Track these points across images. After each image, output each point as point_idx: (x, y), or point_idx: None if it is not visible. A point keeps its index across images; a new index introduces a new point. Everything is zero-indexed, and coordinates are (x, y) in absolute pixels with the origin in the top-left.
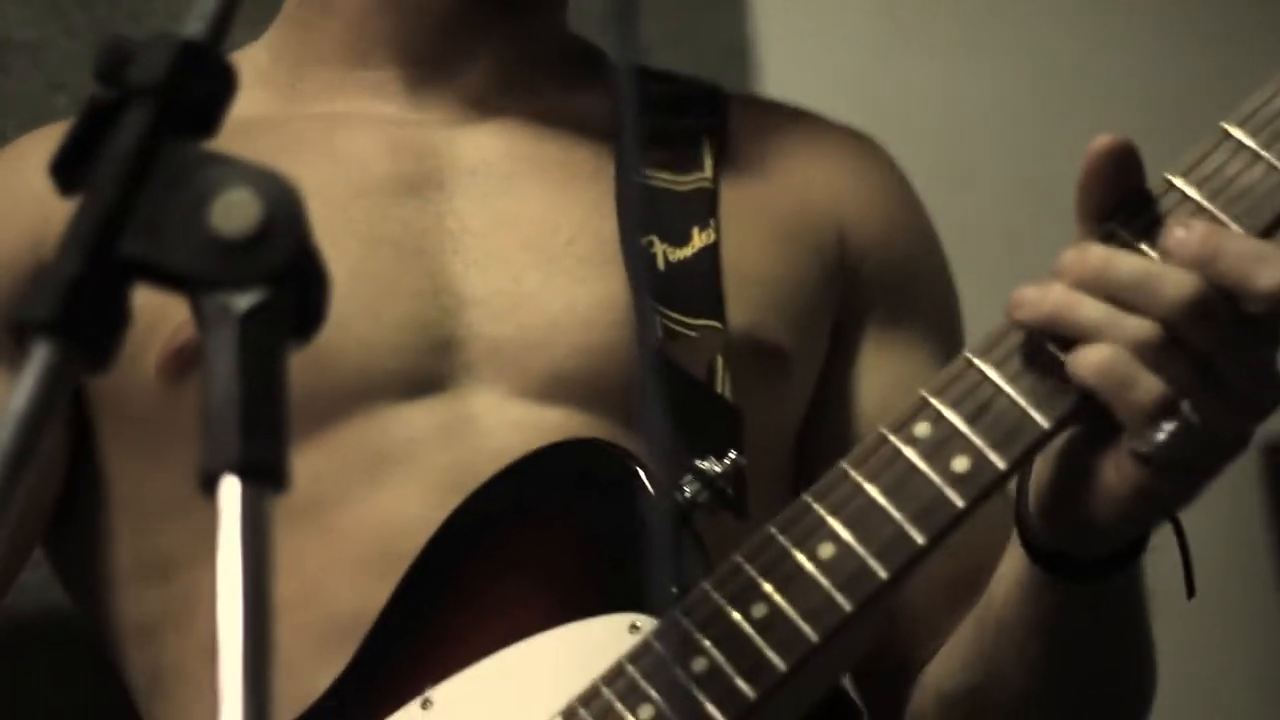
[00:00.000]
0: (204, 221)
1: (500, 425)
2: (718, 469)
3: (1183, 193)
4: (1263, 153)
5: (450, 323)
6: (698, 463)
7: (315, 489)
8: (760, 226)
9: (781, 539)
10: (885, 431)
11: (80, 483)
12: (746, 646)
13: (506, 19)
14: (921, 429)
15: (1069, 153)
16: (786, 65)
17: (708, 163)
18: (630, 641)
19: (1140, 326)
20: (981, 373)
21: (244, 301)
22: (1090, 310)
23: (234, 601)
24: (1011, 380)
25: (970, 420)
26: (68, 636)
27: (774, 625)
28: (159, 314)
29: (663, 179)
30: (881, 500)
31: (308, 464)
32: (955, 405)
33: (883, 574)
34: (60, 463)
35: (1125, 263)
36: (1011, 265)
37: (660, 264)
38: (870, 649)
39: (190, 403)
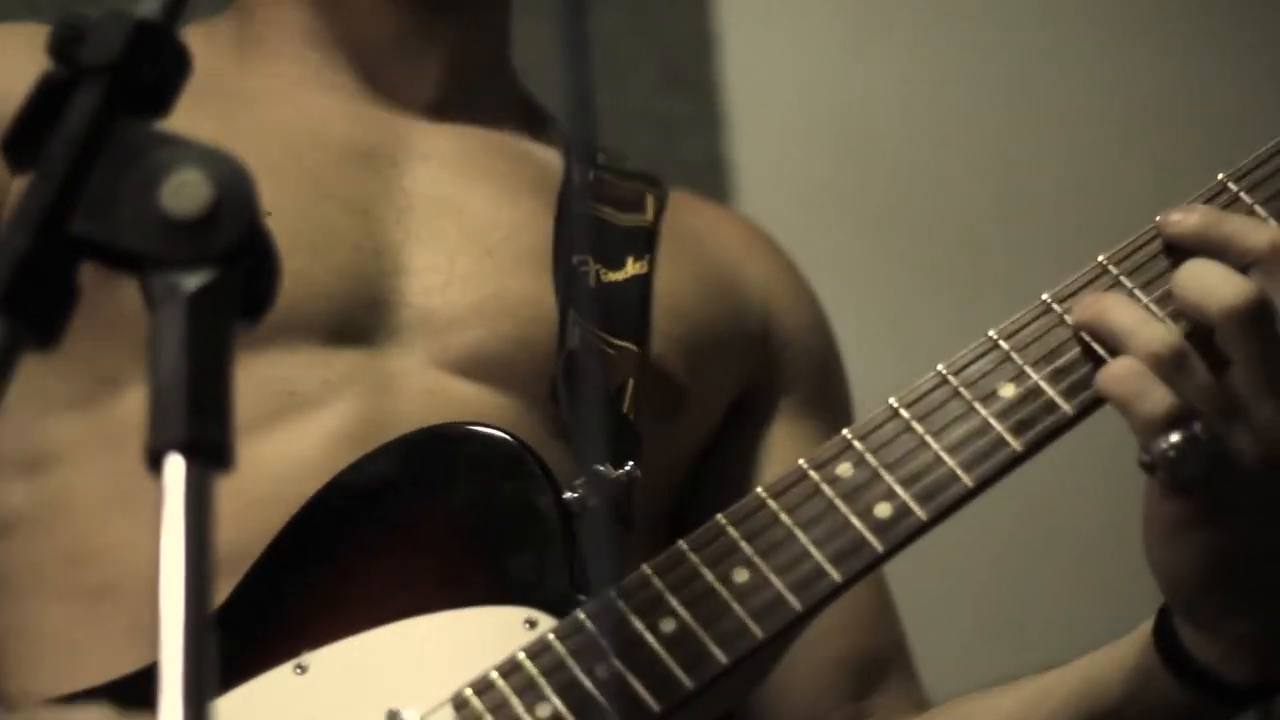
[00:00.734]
0: (154, 201)
1: (414, 390)
2: (613, 475)
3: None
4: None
5: (384, 283)
6: (595, 467)
7: None
8: (692, 274)
9: (693, 557)
10: (806, 467)
11: None
12: (653, 660)
13: (452, 30)
14: (843, 469)
15: (1034, 151)
16: (750, 58)
17: (650, 211)
18: (525, 636)
19: (1159, 339)
20: (906, 423)
21: (193, 281)
22: (1123, 315)
23: (176, 579)
24: (935, 435)
25: (892, 468)
26: None
27: (682, 643)
28: None
29: (606, 212)
30: (799, 534)
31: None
32: (877, 451)
33: (798, 607)
34: None
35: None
36: (974, 263)
37: (592, 280)
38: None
39: (88, 299)
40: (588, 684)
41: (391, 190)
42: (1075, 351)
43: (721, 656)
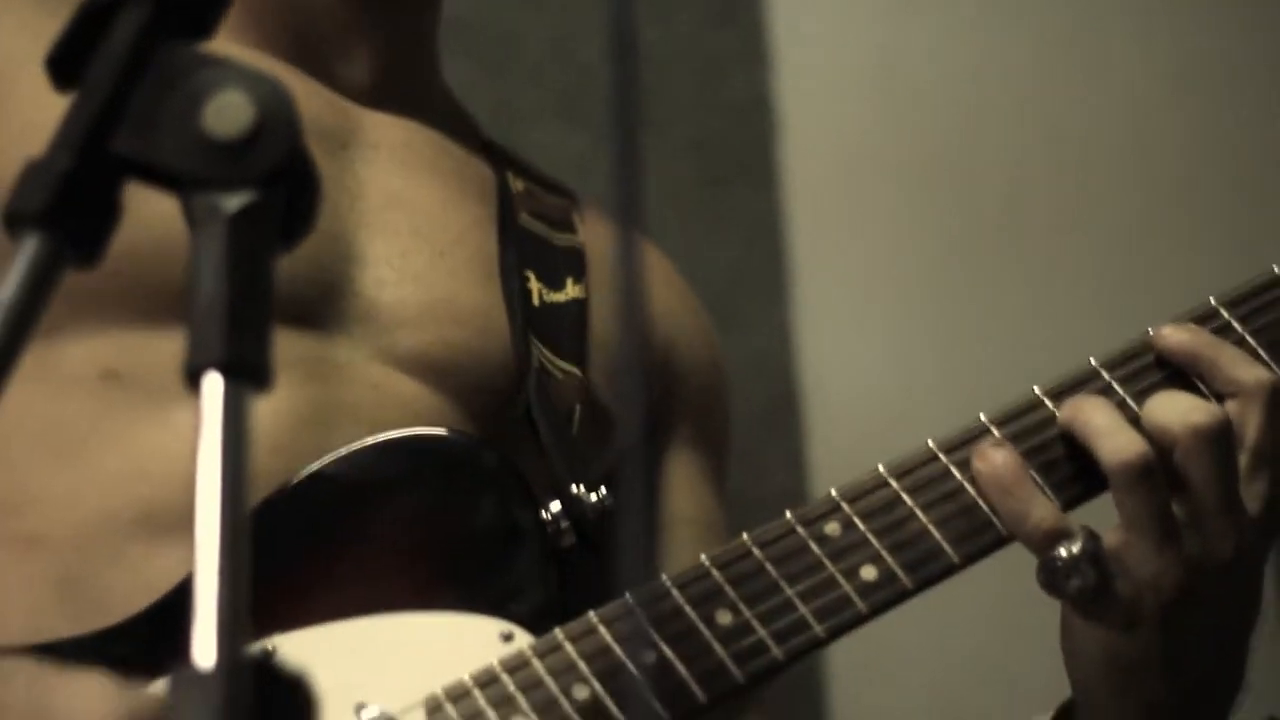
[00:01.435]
0: (197, 122)
1: (361, 382)
2: (591, 498)
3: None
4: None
5: (338, 268)
6: (573, 488)
7: (167, 378)
8: (613, 306)
9: (676, 594)
10: (793, 521)
11: None
12: (632, 691)
13: (383, 15)
14: (831, 529)
15: (1076, 101)
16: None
17: (580, 230)
18: (500, 649)
19: (1130, 447)
20: (895, 492)
21: (233, 202)
22: (1099, 417)
23: (212, 496)
24: (925, 509)
25: (880, 534)
26: None
27: (664, 677)
28: None
29: (540, 228)
30: (784, 586)
31: (163, 351)
32: (866, 516)
33: (780, 655)
34: None
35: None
36: (1015, 211)
37: (535, 300)
38: None
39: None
40: (565, 705)
41: (344, 174)
42: (1061, 449)
43: (700, 695)
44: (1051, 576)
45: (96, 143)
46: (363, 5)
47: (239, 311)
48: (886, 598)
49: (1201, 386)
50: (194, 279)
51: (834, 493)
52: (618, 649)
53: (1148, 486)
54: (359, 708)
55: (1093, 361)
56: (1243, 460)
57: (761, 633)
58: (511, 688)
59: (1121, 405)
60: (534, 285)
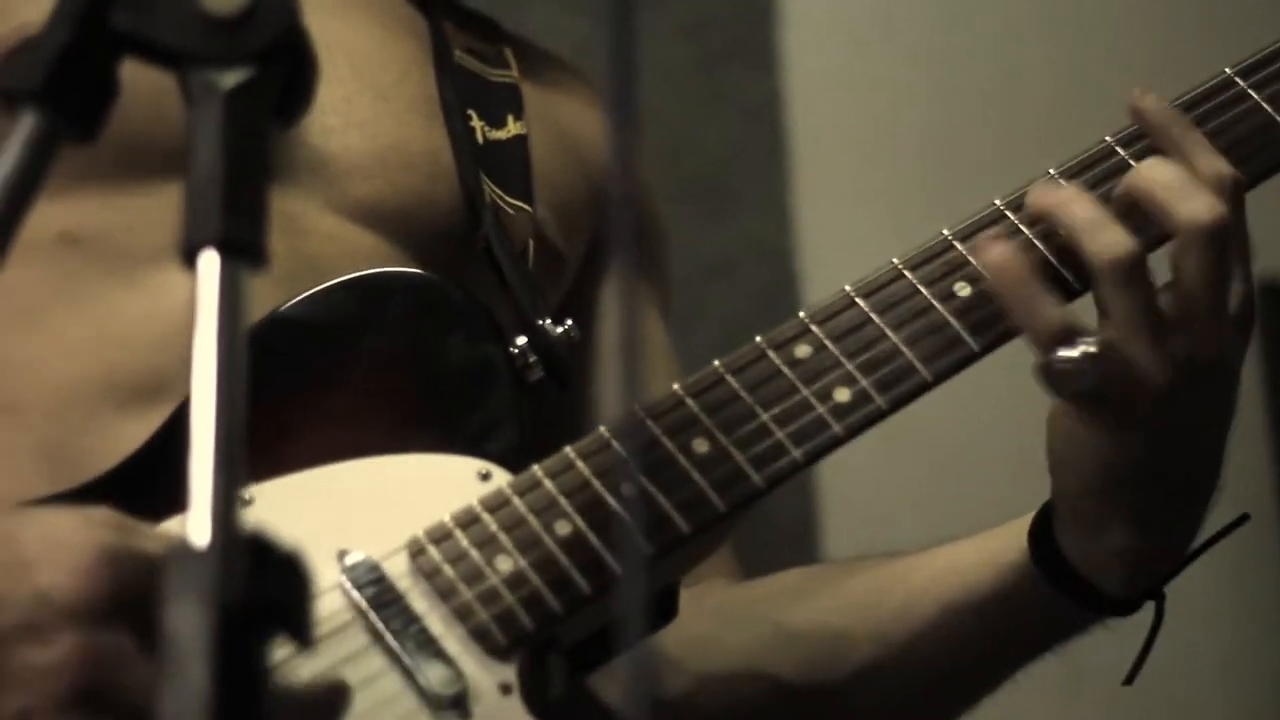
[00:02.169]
0: None
1: (315, 232)
2: (557, 331)
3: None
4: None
5: None
6: (539, 321)
7: (129, 239)
8: (554, 140)
9: (652, 425)
10: (764, 346)
11: None
12: (613, 525)
13: None
14: (802, 351)
15: (1110, 50)
16: None
17: (514, 67)
18: (478, 488)
19: (1119, 243)
20: (864, 312)
21: (230, 79)
22: (1082, 211)
23: (208, 375)
24: (894, 328)
25: (852, 355)
26: None
27: (643, 509)
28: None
29: (475, 64)
30: (759, 411)
31: (127, 213)
32: (836, 338)
33: (759, 481)
34: None
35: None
36: (1012, 98)
37: (479, 138)
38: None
39: None
40: (548, 541)
41: None
42: (1040, 249)
43: (683, 524)
44: (1055, 376)
45: (94, 18)
46: None
47: (235, 189)
48: (861, 419)
49: None
50: (190, 156)
51: (803, 315)
52: (597, 483)
53: (1139, 284)
54: (341, 554)
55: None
56: None
57: (739, 459)
58: (493, 527)
59: (1103, 179)
60: (476, 124)
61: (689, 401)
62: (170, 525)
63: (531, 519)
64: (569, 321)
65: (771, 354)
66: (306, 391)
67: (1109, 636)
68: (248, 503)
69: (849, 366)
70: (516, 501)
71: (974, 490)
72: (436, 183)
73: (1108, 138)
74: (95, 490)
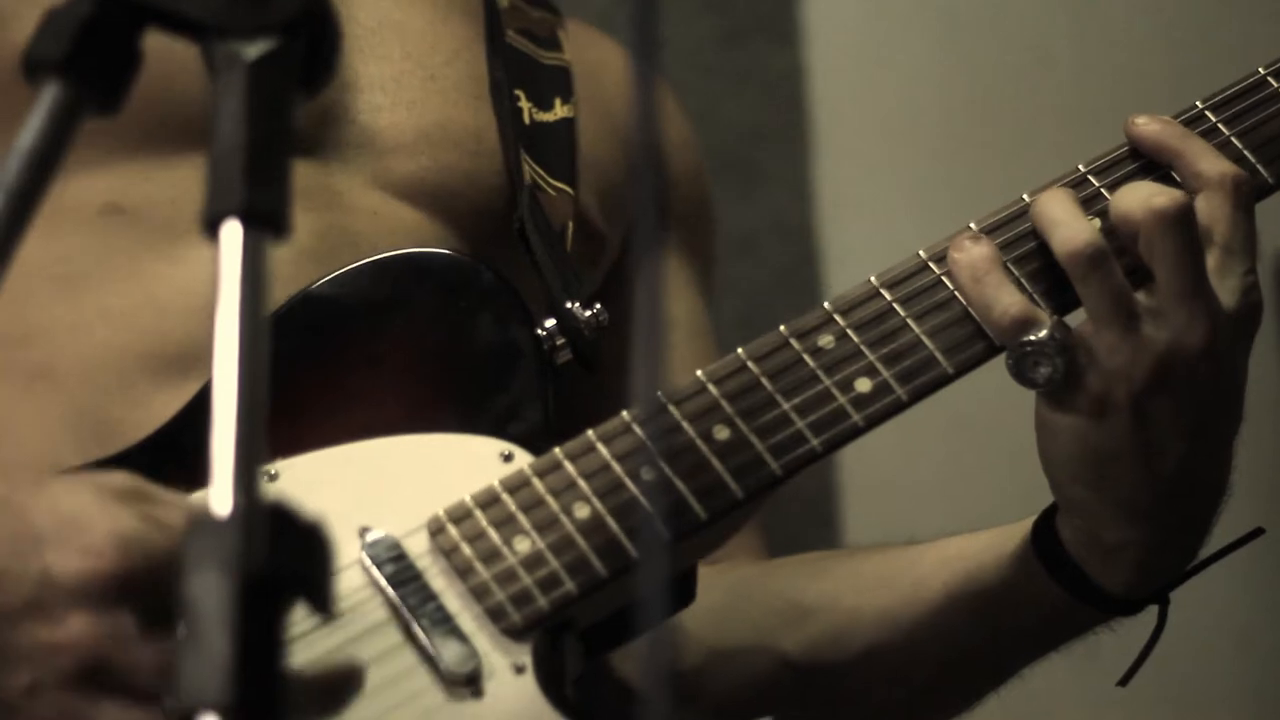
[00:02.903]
0: None
1: (360, 208)
2: (585, 314)
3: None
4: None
5: (332, 95)
6: (567, 304)
7: (172, 211)
8: (603, 123)
9: (674, 410)
10: (787, 335)
11: None
12: (632, 509)
13: None
14: (825, 341)
15: (1133, 24)
16: None
17: (566, 49)
18: (500, 469)
19: (1081, 235)
20: (888, 304)
21: (253, 50)
22: (1056, 208)
23: (231, 343)
24: (917, 319)
25: (873, 346)
26: None
27: (663, 494)
28: None
29: (528, 46)
30: (780, 400)
31: (171, 185)
32: (859, 328)
33: (777, 470)
34: None
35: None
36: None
37: (526, 119)
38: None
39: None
40: (566, 523)
41: None
42: (1040, 249)
43: (700, 511)
44: (1019, 365)
45: None
46: None
47: (258, 160)
48: (881, 410)
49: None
50: (213, 127)
51: (827, 305)
52: (617, 467)
53: (1100, 274)
54: (363, 531)
55: (1081, 168)
56: (1214, 256)
57: (759, 447)
58: (512, 507)
59: (1095, 198)
60: (524, 104)
61: (711, 388)
62: (197, 496)
63: (551, 501)
64: (598, 305)
65: (794, 343)
66: (335, 369)
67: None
68: (273, 478)
69: (871, 358)
70: (536, 483)
71: (996, 474)
72: (480, 161)
73: (1080, 166)
74: (126, 460)
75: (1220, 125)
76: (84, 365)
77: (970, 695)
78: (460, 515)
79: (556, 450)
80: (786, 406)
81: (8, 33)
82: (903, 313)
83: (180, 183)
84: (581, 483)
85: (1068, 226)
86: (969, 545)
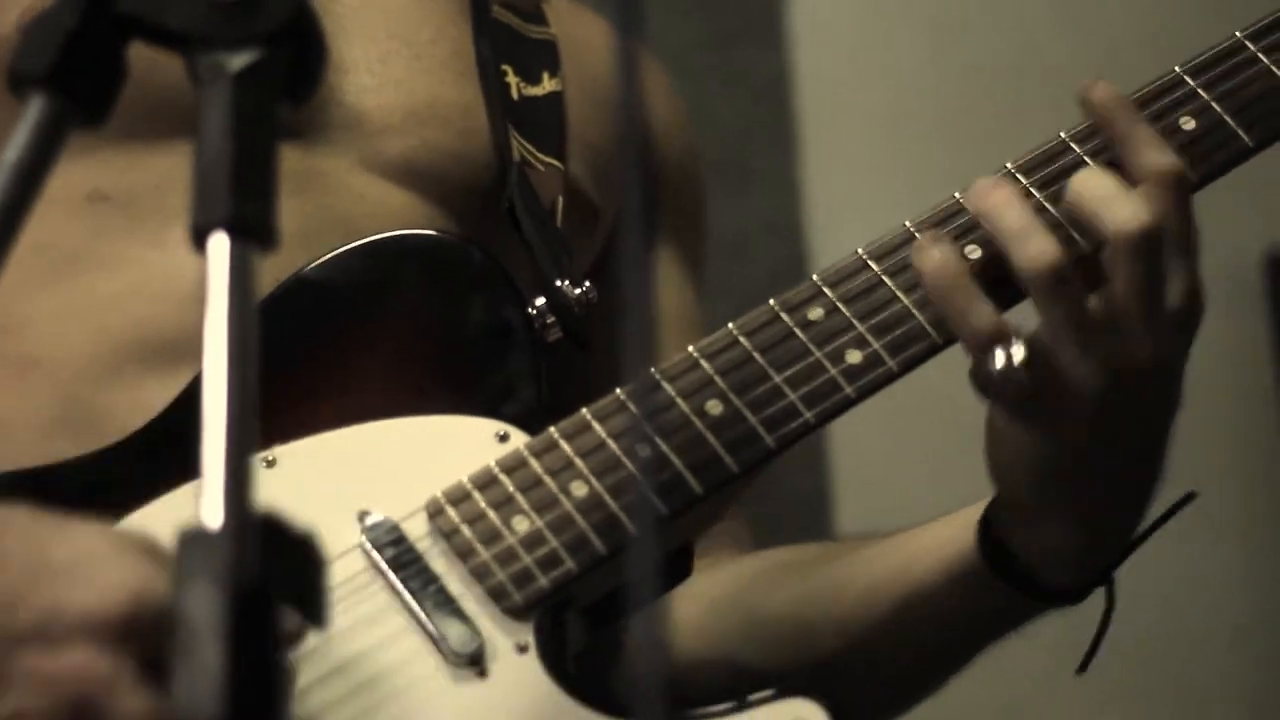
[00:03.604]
0: None
1: (347, 190)
2: (575, 292)
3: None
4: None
5: None
6: (557, 281)
7: (157, 198)
8: (592, 97)
9: (667, 387)
10: (776, 308)
11: None
12: (629, 486)
13: None
14: (815, 314)
15: (1121, 23)
16: None
17: (552, 22)
18: (497, 449)
19: (1044, 252)
20: (876, 275)
21: (238, 61)
22: (1012, 219)
23: (219, 353)
24: (906, 290)
25: (863, 317)
26: None
27: (659, 470)
28: None
29: (514, 21)
30: (772, 373)
31: (156, 172)
32: (849, 300)
33: (771, 443)
34: None
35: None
36: (1026, 74)
37: (514, 94)
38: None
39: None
40: (564, 502)
41: None
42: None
43: (696, 486)
44: (987, 380)
45: (100, 3)
46: None
47: (244, 171)
48: (872, 381)
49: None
50: (199, 138)
51: (816, 278)
52: (613, 444)
53: (1065, 294)
54: (362, 515)
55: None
56: None
57: (752, 421)
58: (510, 488)
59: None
60: (511, 80)
61: (703, 363)
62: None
63: (548, 480)
64: (587, 283)
65: (785, 316)
66: (327, 353)
67: (1126, 600)
68: (270, 464)
69: (861, 329)
70: (533, 463)
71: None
72: (469, 139)
73: (1062, 134)
74: (118, 453)
75: (1200, 90)
76: (73, 353)
77: (930, 686)
78: (459, 497)
79: (552, 429)
80: (778, 379)
81: None
82: (891, 284)
83: (166, 170)
84: (578, 461)
85: (1033, 241)
86: (918, 547)
